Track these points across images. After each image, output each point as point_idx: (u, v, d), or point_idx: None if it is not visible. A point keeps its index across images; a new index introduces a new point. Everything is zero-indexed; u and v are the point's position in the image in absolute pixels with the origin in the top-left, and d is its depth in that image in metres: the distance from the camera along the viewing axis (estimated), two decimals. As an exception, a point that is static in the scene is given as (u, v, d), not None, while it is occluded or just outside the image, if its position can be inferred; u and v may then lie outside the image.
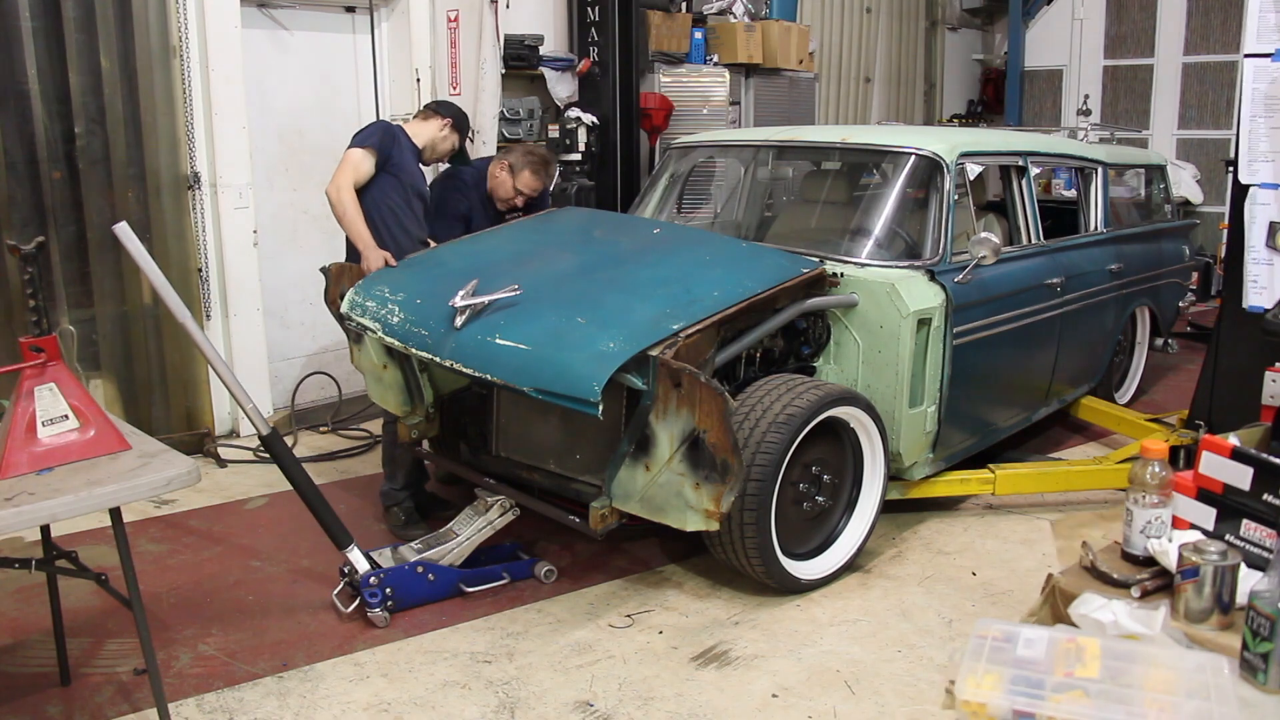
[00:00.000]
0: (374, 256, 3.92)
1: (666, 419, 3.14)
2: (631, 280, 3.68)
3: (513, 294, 3.43)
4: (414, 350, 3.51)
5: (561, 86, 6.79)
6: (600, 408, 3.04)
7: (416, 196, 4.24)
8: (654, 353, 3.15)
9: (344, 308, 3.79)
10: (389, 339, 3.61)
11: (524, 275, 3.61)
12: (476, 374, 3.30)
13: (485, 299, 3.42)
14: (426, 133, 4.30)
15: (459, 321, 3.39)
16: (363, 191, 4.05)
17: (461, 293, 3.45)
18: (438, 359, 3.40)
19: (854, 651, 3.23)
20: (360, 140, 4.08)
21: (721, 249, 4.02)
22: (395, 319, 3.61)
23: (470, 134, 6.12)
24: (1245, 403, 3.27)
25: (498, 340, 3.31)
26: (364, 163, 4.03)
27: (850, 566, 3.74)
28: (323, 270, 4.05)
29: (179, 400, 5.16)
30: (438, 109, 4.38)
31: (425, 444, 4.12)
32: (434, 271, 3.83)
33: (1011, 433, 4.81)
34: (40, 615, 3.30)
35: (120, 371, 5.02)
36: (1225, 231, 4.25)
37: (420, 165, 4.32)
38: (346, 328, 3.93)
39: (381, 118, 5.88)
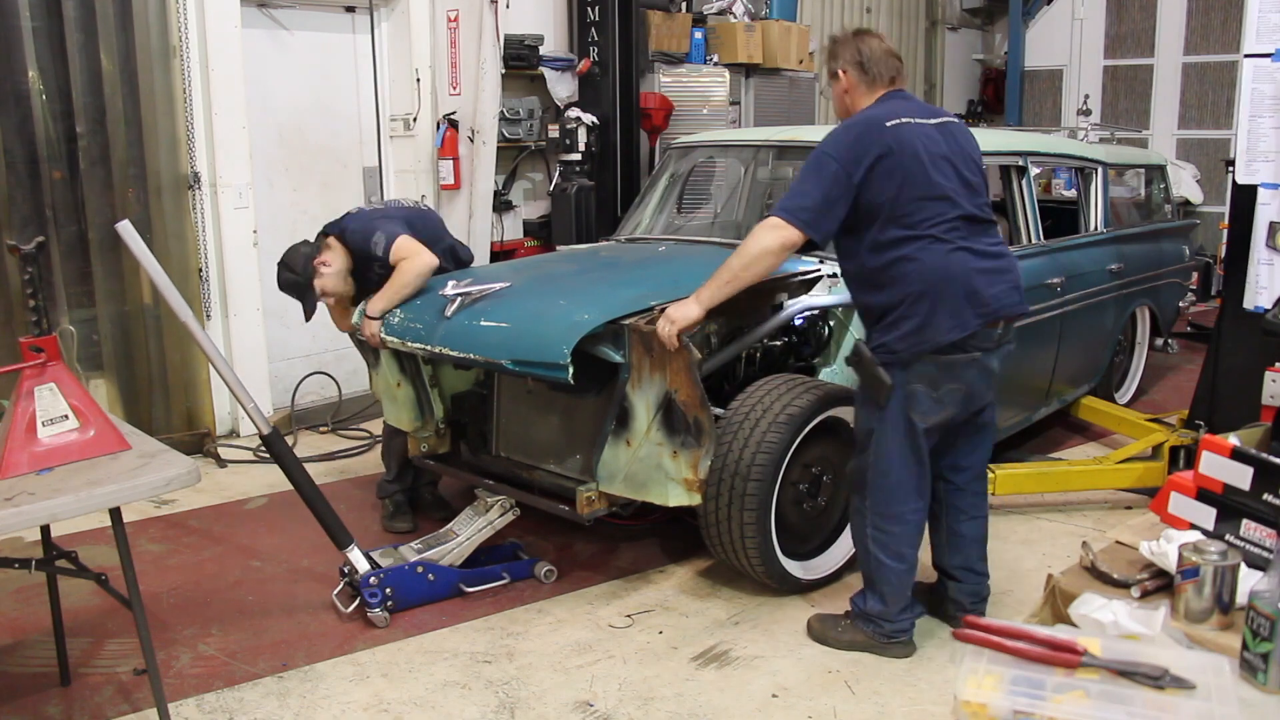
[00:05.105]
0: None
1: (641, 387, 3.27)
2: (622, 276, 3.86)
3: (502, 286, 3.66)
4: (409, 344, 3.66)
5: (561, 86, 6.79)
6: (570, 370, 3.17)
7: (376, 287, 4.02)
8: (628, 322, 3.27)
9: (354, 319, 3.92)
10: (389, 338, 3.74)
11: (519, 277, 3.82)
12: (461, 355, 3.50)
13: (475, 288, 3.64)
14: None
15: (449, 311, 3.58)
16: None
17: (452, 282, 3.68)
18: (428, 347, 3.57)
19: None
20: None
21: (719, 255, 4.06)
22: (395, 319, 3.76)
23: (471, 133, 6.15)
24: (1245, 403, 3.28)
25: (481, 323, 3.51)
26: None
27: (850, 566, 3.73)
28: None
29: (179, 400, 5.16)
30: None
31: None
32: (438, 284, 3.88)
33: (1012, 433, 4.81)
34: (40, 615, 3.30)
35: (120, 371, 5.02)
36: (1225, 231, 4.25)
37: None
38: (364, 352, 4.08)
39: (382, 124, 5.92)
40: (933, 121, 3.09)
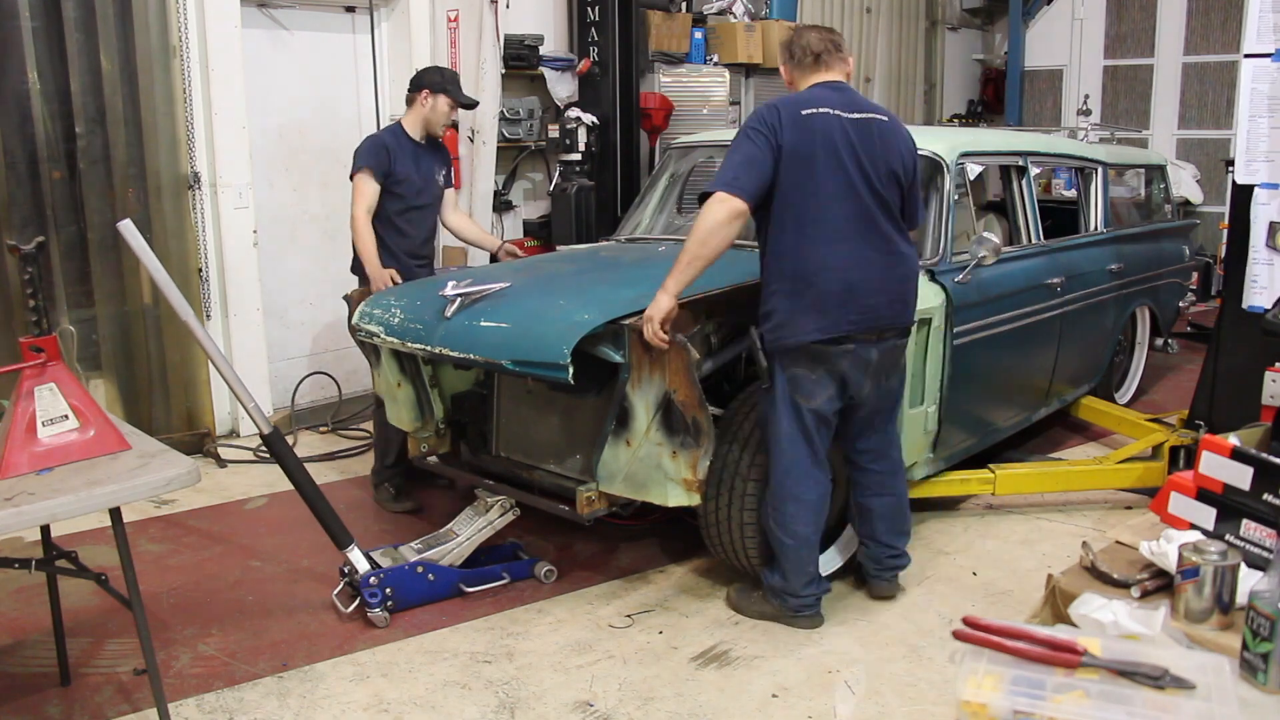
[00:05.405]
0: (379, 276, 4.16)
1: (641, 387, 3.26)
2: (622, 276, 3.85)
3: (501, 286, 3.65)
4: (410, 345, 3.65)
5: (561, 86, 6.78)
6: (570, 370, 3.17)
7: (420, 194, 4.40)
8: (627, 322, 3.26)
9: (355, 319, 3.92)
10: (390, 339, 3.73)
11: (519, 278, 3.82)
12: (461, 356, 3.49)
13: (475, 288, 3.62)
14: (415, 117, 4.40)
15: (449, 311, 3.57)
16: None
17: (452, 283, 3.67)
18: (429, 348, 3.57)
19: (854, 651, 3.23)
20: (360, 163, 4.26)
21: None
22: (396, 320, 3.76)
23: (471, 133, 6.15)
24: (1245, 403, 3.27)
25: (481, 324, 3.50)
26: (369, 185, 4.24)
27: (850, 566, 3.73)
28: (345, 298, 4.22)
29: (179, 400, 5.16)
30: (412, 86, 4.43)
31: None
32: (437, 284, 3.89)
33: (1012, 433, 4.81)
34: (40, 615, 3.30)
35: (120, 371, 5.02)
36: (1225, 231, 4.25)
37: (433, 150, 4.46)
38: (365, 351, 4.10)
39: (382, 124, 5.90)
40: (854, 116, 3.14)
